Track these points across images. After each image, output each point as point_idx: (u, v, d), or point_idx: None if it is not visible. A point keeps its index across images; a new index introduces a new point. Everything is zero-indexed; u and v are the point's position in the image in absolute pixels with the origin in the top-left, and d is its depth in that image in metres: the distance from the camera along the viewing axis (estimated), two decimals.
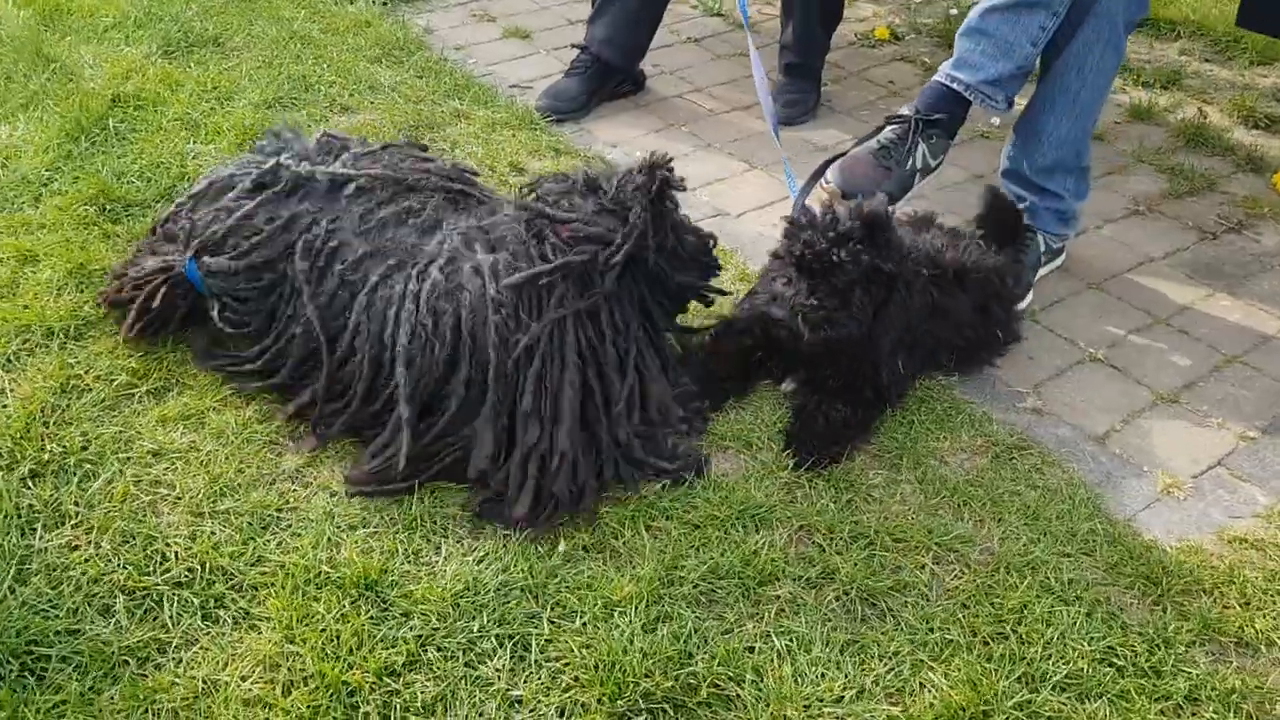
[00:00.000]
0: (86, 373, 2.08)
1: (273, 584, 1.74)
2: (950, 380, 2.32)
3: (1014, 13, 2.38)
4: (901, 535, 1.91)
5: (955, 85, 2.44)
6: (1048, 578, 1.85)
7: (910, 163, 2.45)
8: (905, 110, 2.49)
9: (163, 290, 2.09)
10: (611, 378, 1.93)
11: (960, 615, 1.79)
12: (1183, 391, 2.36)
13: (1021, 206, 2.59)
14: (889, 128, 2.48)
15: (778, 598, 1.79)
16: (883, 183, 2.42)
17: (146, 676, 1.61)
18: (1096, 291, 2.67)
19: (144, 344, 2.15)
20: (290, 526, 1.85)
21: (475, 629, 1.69)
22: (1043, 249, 2.60)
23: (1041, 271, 2.63)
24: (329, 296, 1.98)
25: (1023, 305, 2.54)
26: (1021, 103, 2.63)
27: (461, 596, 1.73)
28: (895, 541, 1.91)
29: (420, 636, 1.67)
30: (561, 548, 1.83)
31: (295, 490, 1.92)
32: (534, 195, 2.08)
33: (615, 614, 1.73)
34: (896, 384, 2.19)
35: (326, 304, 1.98)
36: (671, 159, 2.04)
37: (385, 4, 3.97)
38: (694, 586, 1.79)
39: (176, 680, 1.61)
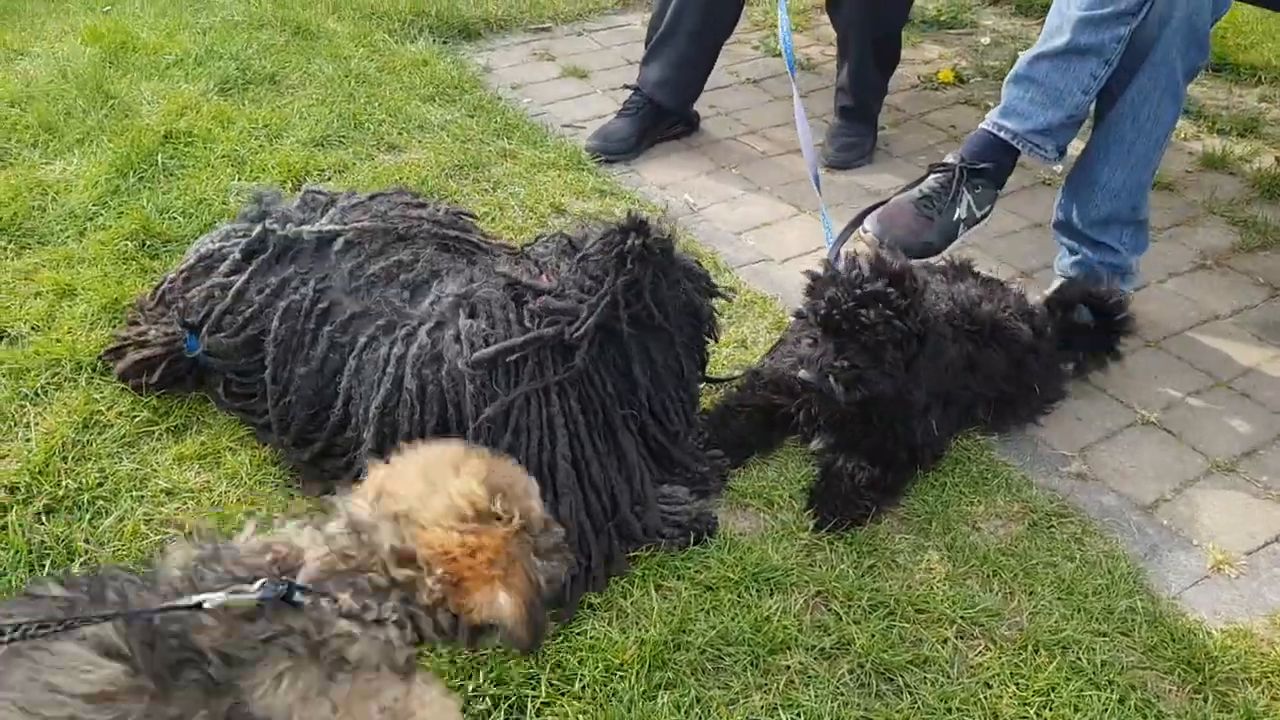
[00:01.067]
0: (109, 409, 2.09)
1: None
2: (989, 440, 2.22)
3: (1064, 60, 2.29)
4: (924, 605, 1.82)
5: (1002, 134, 2.36)
6: (1079, 658, 1.75)
7: (955, 213, 2.37)
8: (950, 159, 2.41)
9: (164, 365, 2.09)
10: (600, 447, 1.86)
11: (982, 696, 1.69)
12: (1241, 460, 2.23)
13: (1073, 259, 2.49)
14: (932, 176, 2.41)
15: (788, 668, 1.71)
16: (924, 233, 2.34)
17: None
18: (1154, 350, 2.54)
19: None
20: None
21: (471, 688, 1.65)
22: None
23: None
24: (320, 361, 1.93)
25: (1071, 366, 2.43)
26: (1076, 151, 2.53)
27: (460, 653, 1.69)
28: (917, 612, 1.82)
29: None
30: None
31: None
32: (525, 255, 2.03)
33: (616, 678, 1.67)
34: (931, 443, 2.10)
35: (318, 368, 1.93)
36: (645, 220, 1.88)
37: (446, 43, 4.01)
38: (700, 652, 1.72)
39: None
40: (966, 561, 1.92)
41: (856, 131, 3.38)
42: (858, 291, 1.90)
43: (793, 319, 2.10)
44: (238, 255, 2.05)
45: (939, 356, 2.00)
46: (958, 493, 2.07)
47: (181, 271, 2.11)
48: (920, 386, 2.01)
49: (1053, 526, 2.02)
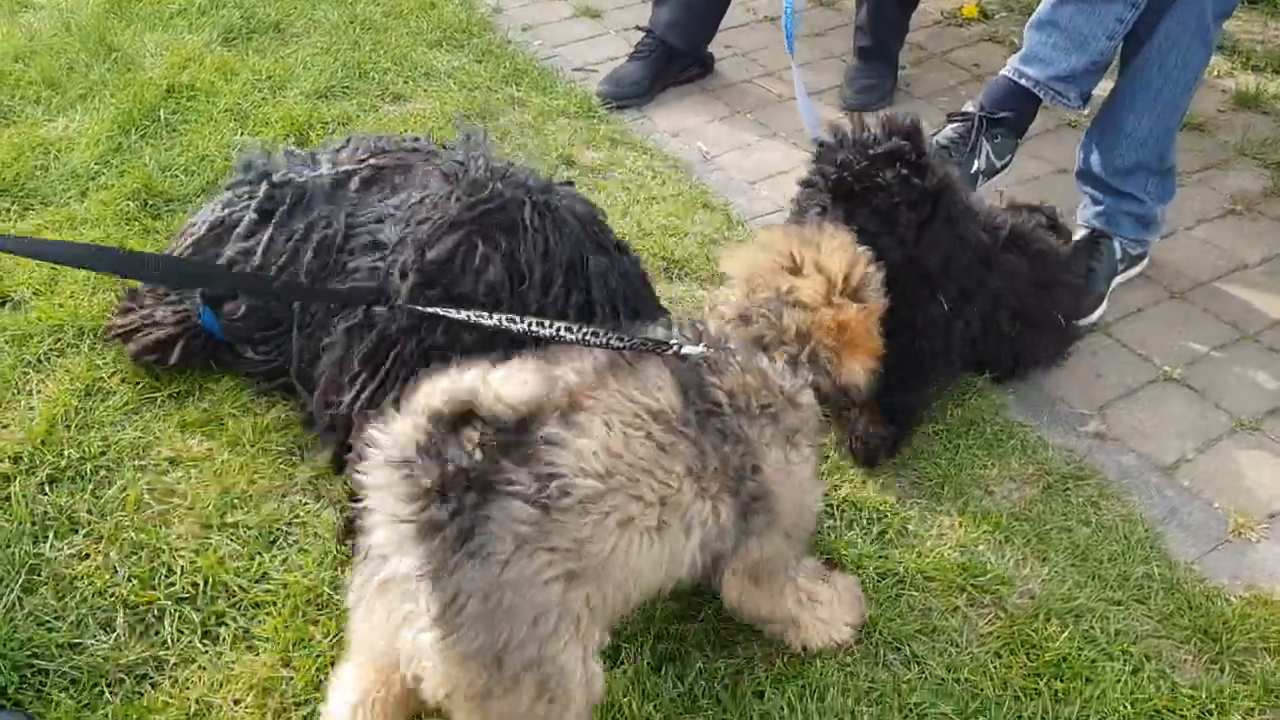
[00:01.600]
0: (112, 375, 2.07)
1: (274, 603, 1.71)
2: (1005, 399, 2.17)
3: (1089, 3, 2.19)
4: (934, 574, 1.79)
5: (1024, 81, 2.27)
6: (1092, 627, 1.71)
7: (974, 164, 2.29)
8: (969, 107, 2.33)
9: (181, 344, 2.06)
10: None
11: (992, 665, 1.66)
12: (1266, 418, 2.16)
13: (1096, 209, 2.41)
14: (950, 125, 2.33)
15: None
16: None
17: (141, 695, 1.60)
18: (1179, 301, 2.47)
19: None
20: (297, 542, 1.81)
21: None
22: (1119, 255, 2.41)
23: (1118, 280, 2.44)
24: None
25: (1096, 315, 2.37)
26: (1100, 97, 2.44)
27: None
28: (927, 580, 1.79)
29: None
30: None
31: (306, 503, 1.88)
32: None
33: (621, 648, 1.65)
34: (942, 344, 1.99)
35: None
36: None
37: None
38: (707, 624, 1.70)
39: (170, 701, 1.59)
40: (979, 527, 1.88)
41: (875, 72, 3.27)
42: (871, 152, 1.81)
43: (799, 188, 1.96)
44: (253, 215, 2.01)
45: (955, 221, 1.89)
46: (971, 455, 2.03)
47: (187, 246, 2.08)
48: (936, 254, 1.89)
49: (1068, 489, 1.97)
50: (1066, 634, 1.70)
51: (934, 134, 2.34)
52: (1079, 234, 2.45)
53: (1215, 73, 3.45)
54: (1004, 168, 2.35)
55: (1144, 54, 2.24)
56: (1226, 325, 2.40)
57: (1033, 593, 1.78)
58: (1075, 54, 2.24)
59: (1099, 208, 2.41)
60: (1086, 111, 2.47)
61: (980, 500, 1.94)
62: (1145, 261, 2.53)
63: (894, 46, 3.30)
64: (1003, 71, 2.32)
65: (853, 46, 3.35)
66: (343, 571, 1.74)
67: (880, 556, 1.81)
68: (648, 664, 1.63)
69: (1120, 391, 2.22)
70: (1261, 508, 1.97)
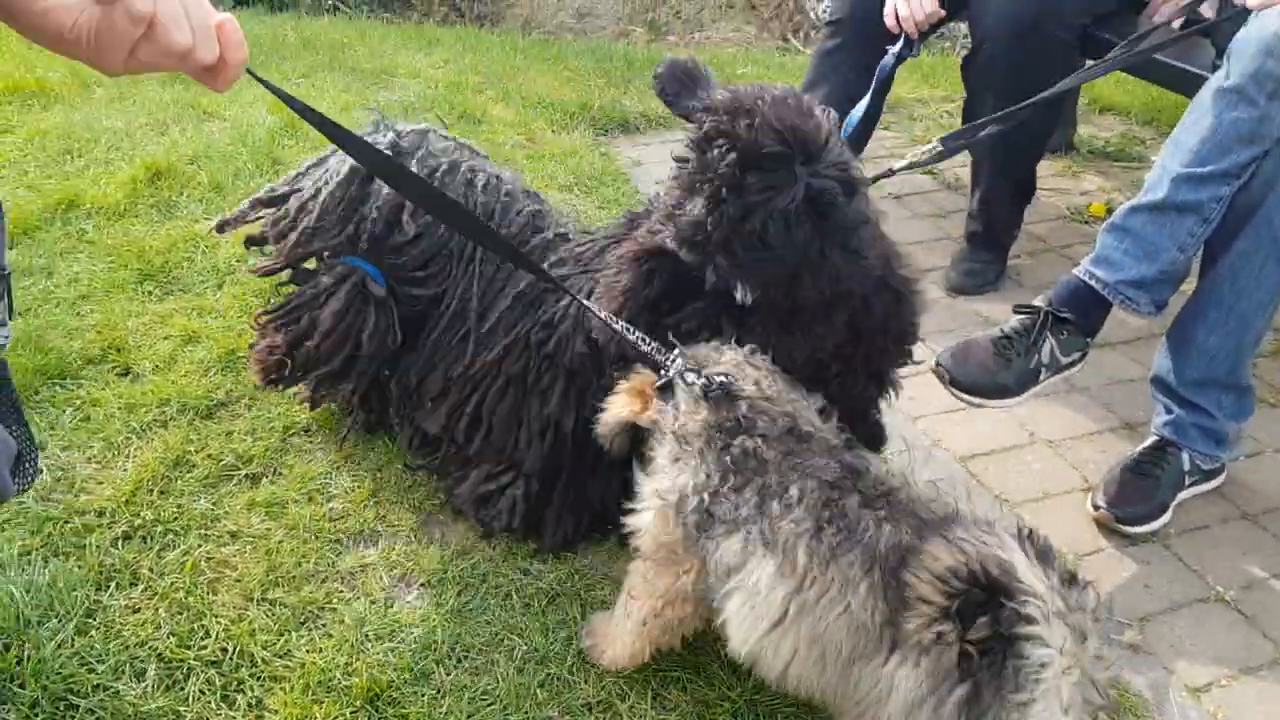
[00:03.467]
0: (200, 450, 2.28)
1: (290, 679, 1.83)
2: None
3: (1161, 214, 2.24)
4: None
5: (1093, 282, 2.31)
6: None
7: (1034, 358, 2.32)
8: (1038, 301, 2.37)
9: (373, 317, 2.22)
10: None
11: None
12: None
13: (1167, 418, 2.39)
14: (1016, 317, 2.37)
15: None
16: (999, 373, 2.30)
17: None
18: (1249, 524, 2.40)
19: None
20: (325, 626, 1.94)
21: None
22: (1187, 467, 2.38)
23: (1185, 494, 2.40)
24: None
25: (1156, 525, 2.33)
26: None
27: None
28: None
29: None
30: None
31: (341, 591, 2.01)
32: None
33: None
34: None
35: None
36: None
37: (604, 134, 4.20)
38: None
39: None
40: None
41: (982, 259, 3.33)
42: None
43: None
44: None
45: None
46: None
47: (308, 213, 2.28)
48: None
49: None
50: None
51: (1004, 322, 2.40)
52: (1149, 441, 2.43)
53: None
54: (1070, 365, 2.36)
55: (1217, 269, 2.25)
56: None
57: None
58: (1145, 262, 2.27)
59: (1169, 416, 2.39)
60: (1160, 319, 2.48)
61: None
62: (1220, 479, 2.48)
63: (1005, 238, 3.36)
64: (1074, 270, 2.36)
65: (965, 230, 3.43)
66: (357, 660, 1.86)
67: None
68: None
69: (1166, 605, 2.17)
70: None
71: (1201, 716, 1.92)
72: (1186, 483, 2.40)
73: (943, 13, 2.92)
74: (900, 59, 2.90)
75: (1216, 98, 2.20)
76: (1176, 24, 3.03)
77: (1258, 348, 2.36)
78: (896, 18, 2.89)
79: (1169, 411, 2.40)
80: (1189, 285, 2.39)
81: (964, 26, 3.70)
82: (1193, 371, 2.33)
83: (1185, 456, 2.38)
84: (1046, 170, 4.07)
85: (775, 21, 6.66)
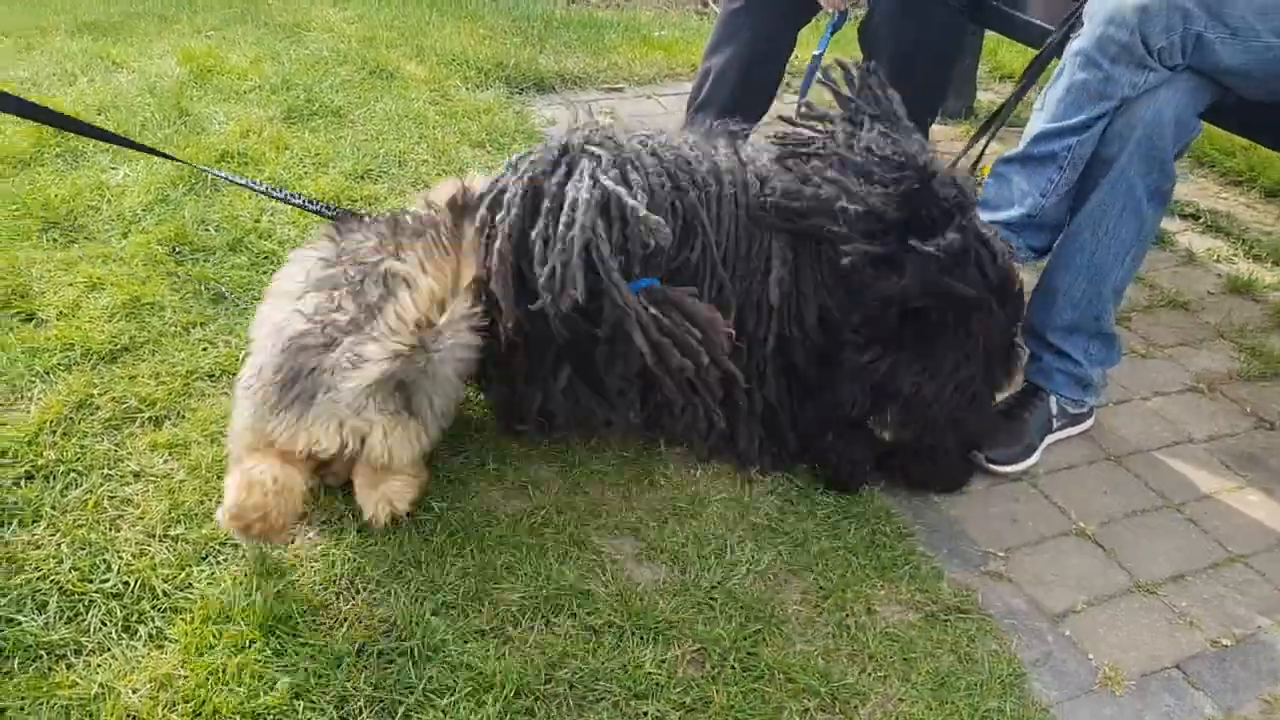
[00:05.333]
0: (104, 393, 2.31)
1: (190, 610, 1.89)
2: (912, 526, 2.28)
3: (1025, 164, 2.48)
4: (795, 676, 1.90)
5: None
6: None
7: None
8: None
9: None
10: None
11: None
12: (1166, 583, 2.24)
13: (1035, 364, 2.55)
14: None
15: (645, 714, 1.81)
16: None
17: (54, 673, 1.77)
18: (1113, 464, 2.57)
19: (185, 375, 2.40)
20: (226, 561, 2.00)
21: (350, 687, 1.79)
22: (1054, 411, 2.53)
23: (1053, 436, 2.55)
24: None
25: (1024, 465, 2.48)
26: None
27: (348, 656, 1.83)
28: (787, 680, 1.89)
29: (294, 686, 1.78)
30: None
31: None
32: None
33: (482, 699, 1.79)
34: None
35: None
36: None
37: (519, 94, 4.24)
38: (570, 687, 1.83)
39: (78, 682, 1.76)
40: (851, 640, 1.99)
41: None
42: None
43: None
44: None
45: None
46: (863, 573, 2.14)
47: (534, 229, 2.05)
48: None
49: (949, 620, 2.07)
50: None
51: None
52: (1019, 385, 2.58)
53: (1215, 257, 3.58)
54: None
55: (1079, 218, 2.42)
56: (1153, 493, 2.48)
57: (886, 709, 1.87)
58: (1016, 205, 2.47)
59: (1038, 362, 2.54)
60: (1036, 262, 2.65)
61: (859, 616, 2.04)
62: (1088, 423, 2.64)
63: None
64: None
65: None
66: (256, 592, 1.93)
67: (748, 651, 1.93)
68: (502, 716, 1.77)
69: (1030, 539, 2.32)
70: (1135, 666, 2.04)
71: (1057, 640, 2.07)
72: (1054, 426, 2.55)
73: None
74: (836, 28, 3.16)
75: (1070, 59, 2.37)
76: None
77: (1120, 297, 2.52)
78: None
79: (1037, 358, 2.55)
80: None
81: None
82: (1059, 318, 2.49)
83: (1052, 401, 2.53)
84: (947, 134, 4.23)
85: None
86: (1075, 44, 2.37)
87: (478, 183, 2.18)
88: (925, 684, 1.92)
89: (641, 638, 1.93)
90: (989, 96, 4.69)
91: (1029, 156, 2.46)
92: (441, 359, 1.95)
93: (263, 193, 2.41)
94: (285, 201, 2.40)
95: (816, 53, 3.20)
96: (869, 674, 1.93)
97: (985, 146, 2.80)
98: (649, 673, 1.86)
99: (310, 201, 2.37)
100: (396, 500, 2.02)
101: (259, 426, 1.92)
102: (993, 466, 2.44)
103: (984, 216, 2.44)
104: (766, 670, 1.90)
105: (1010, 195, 2.48)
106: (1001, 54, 5.06)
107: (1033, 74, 2.74)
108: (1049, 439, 2.54)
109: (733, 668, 1.89)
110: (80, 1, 4.75)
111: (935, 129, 3.68)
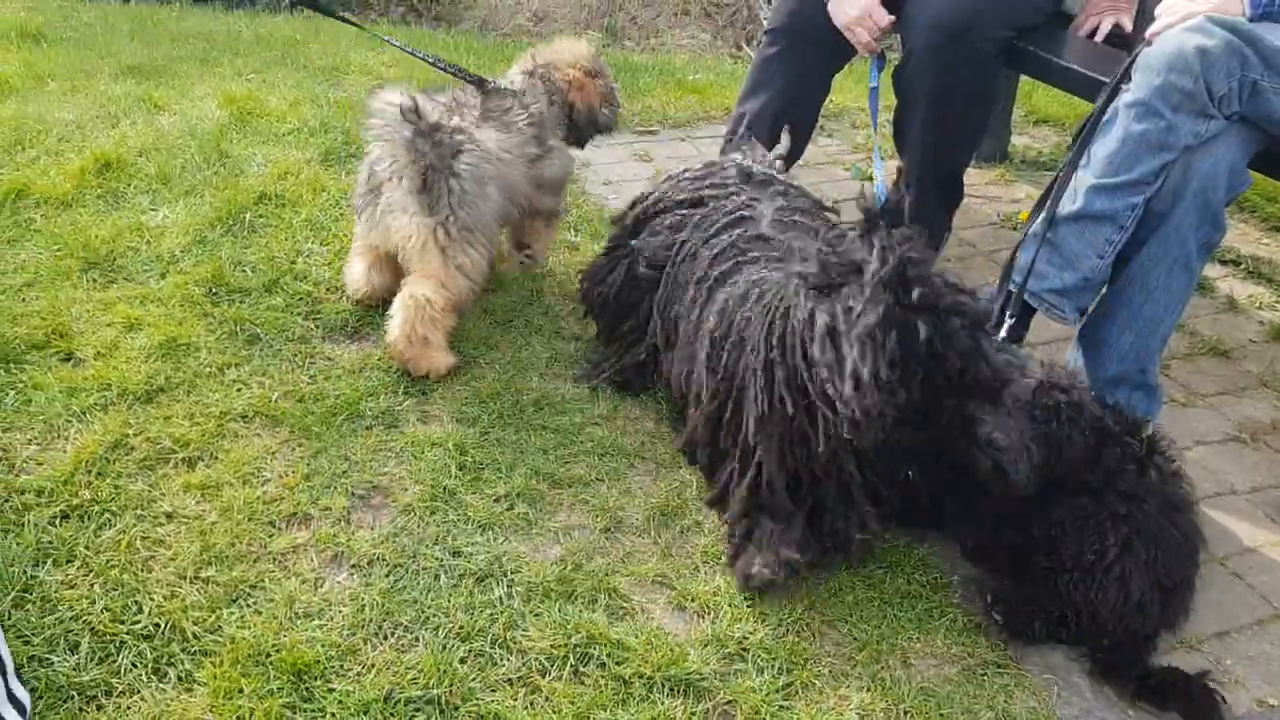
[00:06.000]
0: (138, 434, 2.33)
1: (220, 654, 1.89)
2: (948, 579, 2.24)
3: (1080, 224, 2.36)
4: None
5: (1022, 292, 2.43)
6: None
7: None
8: None
9: None
10: None
11: None
12: (1211, 639, 2.19)
13: None
14: None
15: None
16: None
17: (84, 714, 1.78)
18: None
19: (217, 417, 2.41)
20: (256, 604, 2.00)
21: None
22: None
23: None
24: None
25: None
26: None
27: (374, 704, 1.82)
28: None
29: None
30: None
31: (273, 571, 2.07)
32: None
33: None
34: None
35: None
36: None
37: None
38: None
39: None
40: (886, 695, 1.95)
41: None
42: None
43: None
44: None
45: None
46: (899, 625, 2.10)
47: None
48: None
49: (986, 674, 2.03)
50: None
51: None
52: None
53: (1257, 304, 3.53)
54: None
55: (1128, 273, 2.38)
56: None
57: None
58: (1068, 270, 2.39)
59: None
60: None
61: (894, 670, 2.00)
62: None
63: (934, 241, 3.47)
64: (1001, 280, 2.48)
65: None
66: (285, 637, 1.92)
67: (780, 705, 1.90)
68: None
69: None
70: None
71: (1097, 698, 2.03)
72: None
73: (893, 18, 3.07)
74: (880, 68, 3.28)
75: (1125, 111, 2.32)
76: (1100, 38, 3.17)
77: (1165, 348, 2.48)
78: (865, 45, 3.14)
79: None
80: None
81: None
82: (1105, 370, 2.45)
83: None
84: (981, 178, 4.21)
85: (729, 29, 6.77)
86: (1129, 95, 2.32)
87: None
88: None
89: (671, 690, 1.91)
90: (1024, 140, 4.67)
91: (1080, 216, 2.37)
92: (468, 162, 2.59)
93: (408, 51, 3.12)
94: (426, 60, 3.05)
95: (873, 85, 3.34)
96: None
97: (1047, 210, 2.70)
98: None
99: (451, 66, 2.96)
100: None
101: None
102: None
103: (1032, 286, 2.41)
104: None
105: (1061, 260, 2.40)
106: (1036, 98, 5.04)
107: (1090, 130, 2.61)
108: None
109: None
110: (125, 45, 4.83)
111: (970, 173, 3.66)
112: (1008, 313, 2.42)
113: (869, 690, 1.95)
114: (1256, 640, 2.19)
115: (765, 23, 3.44)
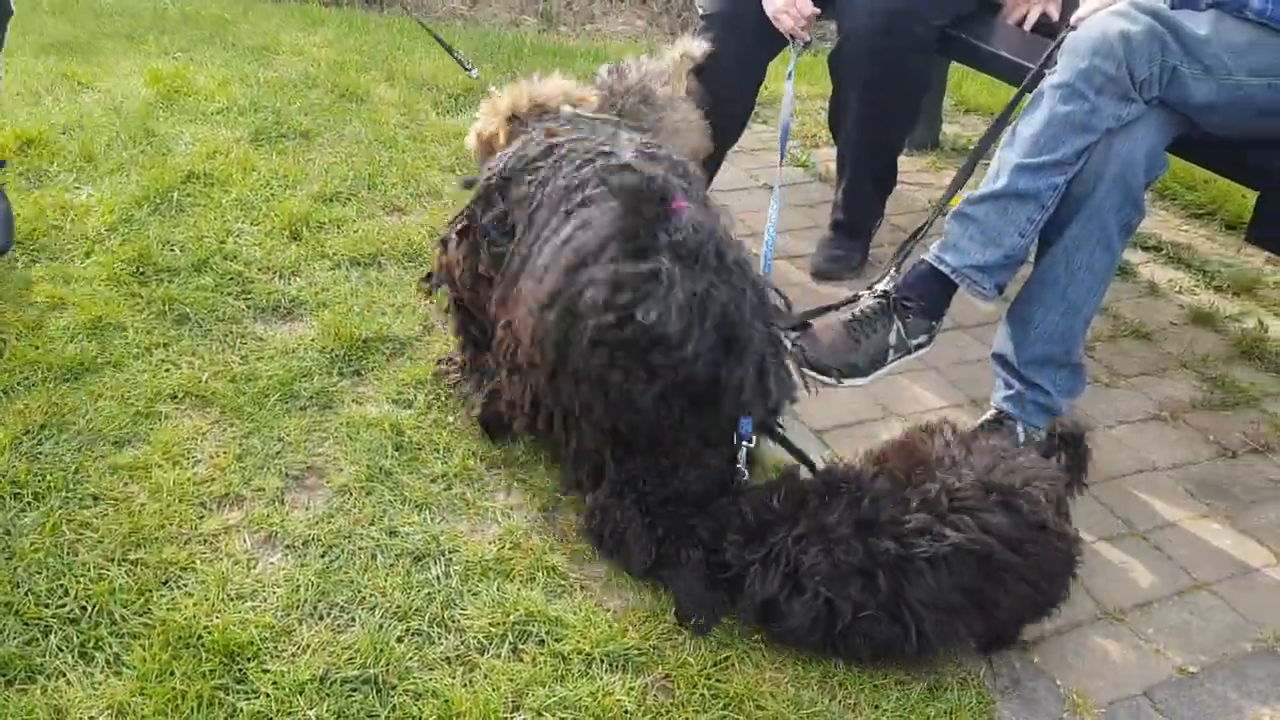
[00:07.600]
0: (66, 414, 2.27)
1: (149, 636, 1.85)
2: None
3: (1002, 202, 2.40)
4: (765, 703, 1.88)
5: (941, 267, 2.46)
6: None
7: (885, 339, 2.46)
8: (885, 285, 2.51)
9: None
10: None
11: None
12: (1133, 611, 2.25)
13: (1007, 393, 2.56)
14: (868, 299, 2.50)
15: None
16: (849, 354, 2.43)
17: (8, 699, 1.73)
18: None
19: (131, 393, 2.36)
20: (186, 586, 1.96)
21: (313, 716, 1.75)
22: (1021, 439, 2.54)
23: None
24: None
25: None
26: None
27: (309, 684, 1.80)
28: (757, 708, 1.88)
29: (255, 714, 1.74)
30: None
31: (204, 552, 2.04)
32: None
33: None
34: None
35: None
36: None
37: None
38: (537, 715, 1.81)
39: (33, 706, 1.72)
40: (819, 667, 1.97)
41: (845, 245, 3.48)
42: None
43: None
44: None
45: None
46: None
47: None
48: None
49: None
50: None
51: (852, 303, 2.53)
52: (988, 414, 2.59)
53: (1177, 288, 3.62)
54: (919, 347, 2.51)
55: (1052, 254, 2.43)
56: (1117, 520, 2.50)
57: None
58: (990, 248, 2.43)
59: (1009, 391, 2.55)
60: (1005, 304, 2.65)
61: None
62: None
63: (867, 225, 3.52)
64: (923, 256, 2.51)
65: (830, 219, 3.57)
66: (216, 619, 1.89)
67: (719, 679, 1.90)
68: None
69: None
70: (1103, 694, 2.04)
71: (1025, 668, 2.07)
72: None
73: (818, 10, 3.08)
74: (800, 53, 3.22)
75: (1050, 93, 2.37)
76: (1028, 26, 3.23)
77: (1088, 329, 2.54)
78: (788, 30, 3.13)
79: (1009, 386, 2.57)
80: (1026, 268, 2.57)
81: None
82: (1030, 350, 2.50)
83: (1020, 429, 2.54)
84: (912, 165, 4.27)
85: (665, 16, 6.77)
86: (1054, 78, 2.37)
87: None
88: (895, 710, 1.91)
89: (610, 665, 1.91)
90: (954, 129, 4.74)
91: (1003, 194, 2.41)
92: None
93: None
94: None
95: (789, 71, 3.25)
96: (839, 700, 1.92)
97: (956, 189, 2.78)
98: (618, 700, 1.84)
99: None
100: None
101: None
102: None
103: (953, 261, 2.45)
104: (736, 698, 1.88)
105: (982, 237, 2.44)
106: (966, 87, 5.13)
107: (1009, 109, 2.71)
108: None
109: (702, 695, 1.88)
110: (46, 21, 4.70)
111: (902, 160, 3.71)
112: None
113: (804, 663, 1.98)
114: (1177, 610, 2.26)
115: (700, 9, 3.44)
